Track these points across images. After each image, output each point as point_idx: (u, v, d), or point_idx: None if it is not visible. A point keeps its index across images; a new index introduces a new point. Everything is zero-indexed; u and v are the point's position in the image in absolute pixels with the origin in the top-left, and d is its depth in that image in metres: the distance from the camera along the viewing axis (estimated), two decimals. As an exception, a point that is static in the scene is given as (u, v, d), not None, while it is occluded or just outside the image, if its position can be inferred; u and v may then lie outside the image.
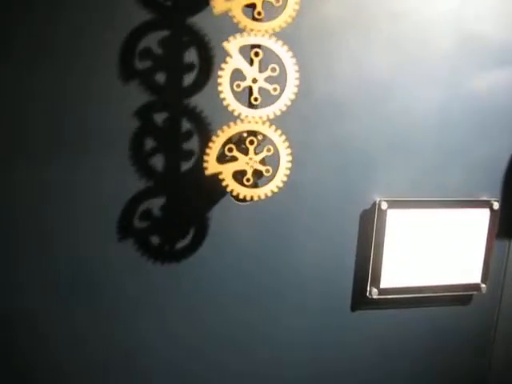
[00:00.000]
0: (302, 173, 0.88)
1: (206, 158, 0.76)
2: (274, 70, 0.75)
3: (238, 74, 0.74)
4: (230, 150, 0.76)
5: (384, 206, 0.92)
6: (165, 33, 0.81)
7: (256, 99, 0.75)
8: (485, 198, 0.98)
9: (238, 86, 0.74)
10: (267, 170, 0.78)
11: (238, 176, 0.78)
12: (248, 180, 0.77)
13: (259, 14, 0.73)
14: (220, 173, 0.76)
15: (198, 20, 0.81)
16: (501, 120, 0.96)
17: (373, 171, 0.93)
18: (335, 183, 0.91)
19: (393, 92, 0.91)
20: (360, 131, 0.91)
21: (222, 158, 0.77)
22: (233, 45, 0.73)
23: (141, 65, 0.81)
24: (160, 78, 0.82)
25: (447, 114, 0.94)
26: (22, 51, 0.78)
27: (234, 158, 0.77)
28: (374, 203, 0.93)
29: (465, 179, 0.97)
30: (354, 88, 0.89)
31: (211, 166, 0.76)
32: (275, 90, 0.75)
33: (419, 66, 0.91)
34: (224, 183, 0.77)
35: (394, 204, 0.93)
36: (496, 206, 0.97)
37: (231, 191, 0.78)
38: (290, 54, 0.75)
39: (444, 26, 0.91)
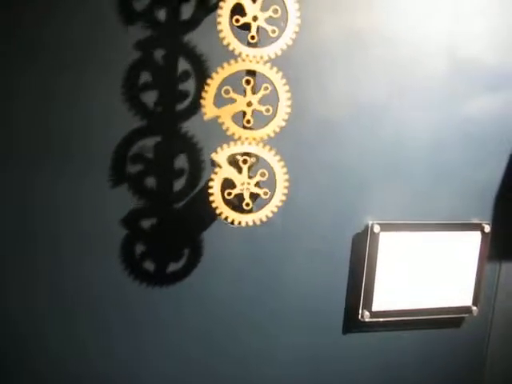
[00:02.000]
0: (294, 195, 0.87)
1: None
2: (266, 88, 0.75)
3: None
4: (227, 91, 0.73)
5: (377, 229, 0.92)
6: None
7: (248, 121, 0.75)
8: (476, 221, 0.98)
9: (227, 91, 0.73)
10: (265, 193, 0.77)
11: (235, 201, 0.77)
12: (248, 205, 0.77)
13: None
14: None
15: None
16: (491, 144, 0.97)
17: (365, 194, 0.93)
18: (328, 206, 0.91)
19: (386, 115, 0.91)
20: (353, 154, 0.91)
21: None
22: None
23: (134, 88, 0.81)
24: (151, 97, 0.82)
25: (439, 137, 0.94)
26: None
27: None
28: (367, 226, 0.93)
29: (456, 202, 0.97)
30: (347, 111, 0.89)
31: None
32: (268, 110, 0.75)
33: (412, 90, 0.92)
34: (214, 206, 0.76)
35: (386, 227, 0.93)
36: (487, 228, 0.98)
37: (225, 218, 0.77)
38: (284, 81, 0.74)
39: (436, 50, 0.92)
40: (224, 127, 0.74)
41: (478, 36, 0.93)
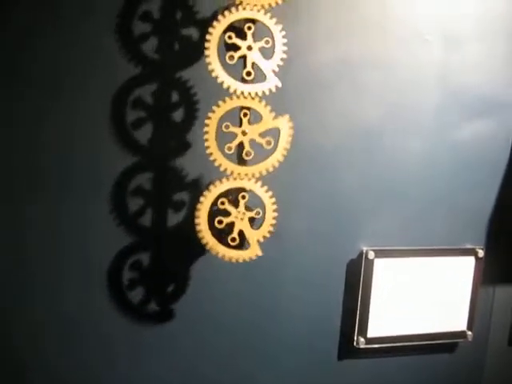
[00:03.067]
0: (288, 221, 0.87)
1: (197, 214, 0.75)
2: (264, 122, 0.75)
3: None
4: (222, 203, 0.75)
5: (371, 255, 0.92)
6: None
7: (248, 154, 0.75)
8: (470, 246, 0.98)
9: (230, 148, 0.73)
10: (257, 212, 0.77)
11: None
12: (233, 240, 0.77)
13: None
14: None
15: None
16: (483, 169, 0.98)
17: (360, 220, 0.93)
18: (322, 232, 0.91)
19: (379, 142, 0.92)
20: (346, 181, 0.91)
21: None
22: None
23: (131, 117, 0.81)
24: (147, 133, 0.82)
25: (433, 163, 0.95)
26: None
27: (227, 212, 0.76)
28: (361, 252, 0.93)
29: (450, 227, 0.98)
30: (340, 138, 0.90)
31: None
32: (269, 143, 0.75)
33: (404, 116, 0.92)
34: (208, 246, 0.77)
35: (380, 253, 0.93)
36: (481, 253, 0.98)
37: (216, 253, 0.77)
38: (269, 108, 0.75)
39: (428, 77, 0.93)
40: (217, 163, 0.74)
41: (469, 64, 0.94)
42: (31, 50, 0.77)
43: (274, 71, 0.74)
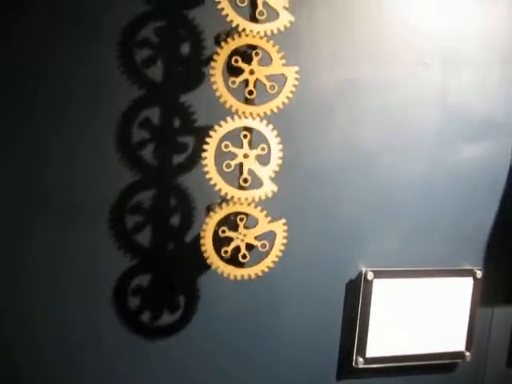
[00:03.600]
0: (288, 242, 0.88)
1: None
2: (263, 149, 0.76)
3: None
4: (223, 231, 0.76)
5: (370, 276, 0.93)
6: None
7: (246, 180, 0.76)
8: (468, 267, 0.99)
9: (229, 165, 0.74)
10: (263, 245, 0.78)
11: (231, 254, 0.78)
12: (244, 256, 0.77)
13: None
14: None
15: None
16: (483, 191, 0.98)
17: (359, 241, 0.94)
18: (321, 253, 0.92)
19: (379, 164, 0.92)
20: (346, 202, 0.92)
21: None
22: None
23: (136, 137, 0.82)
24: (148, 153, 0.83)
25: (432, 185, 0.96)
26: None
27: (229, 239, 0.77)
28: (360, 273, 0.93)
29: (448, 248, 0.98)
30: (341, 158, 0.90)
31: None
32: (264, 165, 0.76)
33: (405, 137, 0.93)
34: (213, 266, 0.77)
35: (379, 274, 0.93)
36: (479, 274, 0.98)
37: (222, 272, 0.77)
38: (275, 132, 0.76)
39: (428, 99, 0.94)
40: (217, 188, 0.75)
41: (467, 86, 0.95)
42: (35, 77, 0.78)
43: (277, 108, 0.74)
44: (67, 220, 0.82)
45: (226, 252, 0.77)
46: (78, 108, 0.80)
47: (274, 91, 0.74)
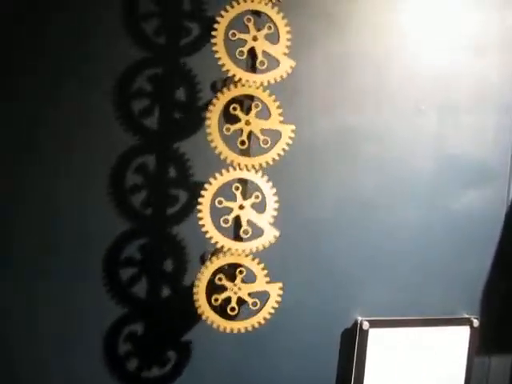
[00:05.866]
0: (283, 291, 0.86)
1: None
2: (257, 197, 0.75)
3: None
4: (220, 279, 0.75)
5: (365, 325, 0.91)
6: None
7: (246, 232, 0.74)
8: (465, 316, 0.97)
9: (226, 221, 0.73)
10: (254, 304, 0.76)
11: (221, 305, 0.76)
12: (233, 309, 0.75)
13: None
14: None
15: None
16: (479, 238, 0.97)
17: (354, 290, 0.92)
18: (316, 302, 0.90)
19: (374, 212, 0.92)
20: (342, 250, 0.91)
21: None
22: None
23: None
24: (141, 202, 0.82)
25: (427, 232, 0.95)
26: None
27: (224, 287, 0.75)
28: (356, 322, 0.92)
29: (445, 297, 0.97)
30: (337, 208, 0.90)
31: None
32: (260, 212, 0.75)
33: (400, 186, 0.93)
34: (204, 316, 0.75)
35: (375, 323, 0.92)
36: (476, 323, 0.97)
37: (212, 323, 0.75)
38: (270, 184, 0.75)
39: (424, 147, 0.94)
40: (213, 241, 0.74)
41: (463, 134, 0.95)
42: (33, 123, 0.78)
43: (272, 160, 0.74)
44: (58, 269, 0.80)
45: (216, 300, 0.75)
46: (76, 157, 0.80)
47: (267, 145, 0.73)
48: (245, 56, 0.72)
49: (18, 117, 0.78)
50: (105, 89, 0.79)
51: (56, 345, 0.81)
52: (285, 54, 0.74)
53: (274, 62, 0.74)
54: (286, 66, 0.73)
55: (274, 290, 0.76)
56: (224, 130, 0.73)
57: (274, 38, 0.73)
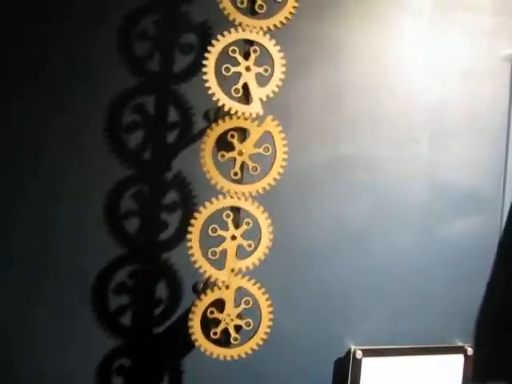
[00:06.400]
0: (276, 320, 0.85)
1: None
2: (248, 223, 0.74)
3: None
4: (212, 312, 0.74)
5: (359, 354, 0.90)
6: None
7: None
8: (459, 344, 0.97)
9: (214, 253, 0.73)
10: (247, 323, 0.75)
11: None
12: (236, 339, 0.74)
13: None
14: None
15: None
16: (472, 265, 0.97)
17: (347, 319, 0.91)
18: (309, 330, 0.89)
19: (368, 239, 0.92)
20: (335, 278, 0.90)
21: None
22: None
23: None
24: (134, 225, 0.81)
25: (421, 260, 0.95)
26: None
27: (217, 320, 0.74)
28: (349, 351, 0.91)
29: (438, 325, 0.96)
30: (331, 236, 0.90)
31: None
32: (249, 246, 0.74)
33: (394, 214, 0.93)
34: (197, 343, 0.74)
35: (369, 352, 0.91)
36: (470, 351, 0.96)
37: (205, 350, 0.74)
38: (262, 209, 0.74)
39: (417, 174, 0.94)
40: (202, 270, 0.73)
41: (455, 161, 0.96)
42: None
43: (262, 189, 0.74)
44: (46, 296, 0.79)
45: (215, 333, 0.74)
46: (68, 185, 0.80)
47: (257, 172, 0.73)
48: (240, 93, 0.71)
49: (15, 140, 0.78)
50: (97, 118, 0.79)
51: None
52: (261, 100, 0.73)
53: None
54: (254, 109, 0.72)
55: (264, 309, 0.75)
56: (219, 156, 0.72)
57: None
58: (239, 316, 0.75)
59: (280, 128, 0.72)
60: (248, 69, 0.73)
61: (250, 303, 0.75)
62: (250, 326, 0.75)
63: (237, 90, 0.71)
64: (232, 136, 0.73)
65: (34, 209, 0.79)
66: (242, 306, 0.75)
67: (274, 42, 0.72)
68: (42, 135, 0.79)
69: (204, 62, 0.70)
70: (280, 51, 0.72)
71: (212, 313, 0.73)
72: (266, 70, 0.72)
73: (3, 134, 0.77)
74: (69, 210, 0.79)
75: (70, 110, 0.79)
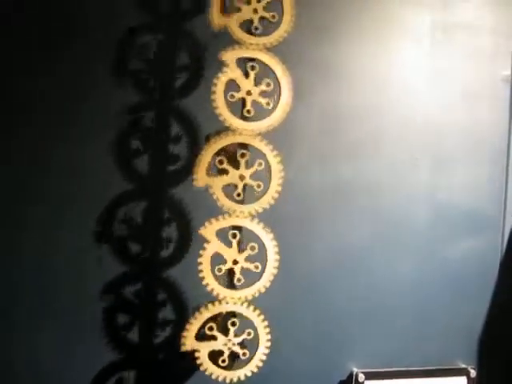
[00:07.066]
0: (277, 345, 0.85)
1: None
2: (253, 248, 0.75)
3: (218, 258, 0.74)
4: (211, 328, 0.73)
5: (361, 378, 0.89)
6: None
7: (239, 280, 0.74)
8: (462, 366, 0.96)
9: (220, 269, 0.73)
10: (244, 354, 0.75)
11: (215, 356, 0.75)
12: (224, 361, 0.74)
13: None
14: (198, 350, 0.73)
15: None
16: (474, 287, 0.97)
17: (349, 342, 0.91)
18: (311, 355, 0.89)
19: (370, 263, 0.92)
20: (337, 303, 0.90)
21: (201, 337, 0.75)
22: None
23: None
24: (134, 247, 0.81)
25: (422, 282, 0.94)
26: None
27: (214, 337, 0.74)
28: (351, 374, 0.90)
29: (441, 347, 0.96)
30: (331, 259, 0.90)
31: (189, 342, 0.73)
32: (257, 267, 0.75)
33: (394, 237, 0.93)
34: (198, 362, 0.74)
35: (371, 375, 0.90)
36: (473, 373, 0.96)
37: (205, 370, 0.74)
38: (271, 235, 0.75)
39: (418, 197, 0.94)
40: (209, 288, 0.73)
41: (456, 184, 0.96)
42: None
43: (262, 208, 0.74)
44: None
45: (223, 361, 0.74)
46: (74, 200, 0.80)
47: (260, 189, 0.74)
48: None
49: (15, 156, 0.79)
50: (100, 143, 0.80)
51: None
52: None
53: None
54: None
55: (263, 336, 0.75)
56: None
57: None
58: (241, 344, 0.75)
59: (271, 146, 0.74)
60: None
61: (252, 334, 0.75)
62: (246, 355, 0.75)
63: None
64: (220, 162, 0.74)
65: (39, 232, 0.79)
66: (244, 335, 0.75)
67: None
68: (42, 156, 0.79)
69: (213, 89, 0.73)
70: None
71: (211, 329, 0.73)
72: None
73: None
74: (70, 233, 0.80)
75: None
